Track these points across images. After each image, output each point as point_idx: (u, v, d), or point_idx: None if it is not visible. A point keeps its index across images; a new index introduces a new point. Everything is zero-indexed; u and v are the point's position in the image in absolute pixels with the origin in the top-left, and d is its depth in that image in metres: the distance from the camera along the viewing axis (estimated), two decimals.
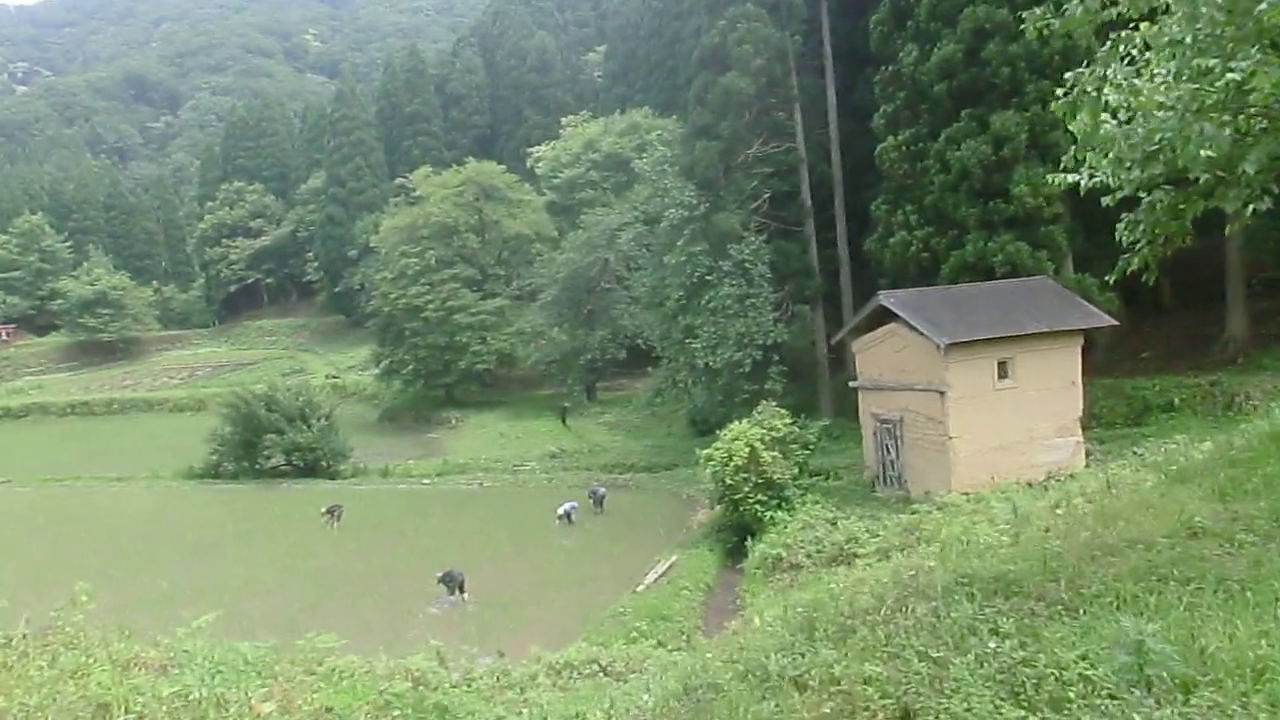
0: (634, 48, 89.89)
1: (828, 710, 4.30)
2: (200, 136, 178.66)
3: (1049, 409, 27.96)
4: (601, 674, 13.29)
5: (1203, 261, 34.79)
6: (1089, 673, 4.29)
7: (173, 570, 31.86)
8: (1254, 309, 36.05)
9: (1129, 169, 7.16)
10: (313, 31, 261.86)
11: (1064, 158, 8.36)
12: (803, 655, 4.83)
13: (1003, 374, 27.70)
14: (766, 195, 41.87)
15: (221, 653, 5.63)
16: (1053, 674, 4.35)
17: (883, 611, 5.15)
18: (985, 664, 4.53)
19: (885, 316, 29.49)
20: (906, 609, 5.13)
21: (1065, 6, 6.97)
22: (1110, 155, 7.11)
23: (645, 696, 6.14)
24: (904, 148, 35.67)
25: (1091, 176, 7.74)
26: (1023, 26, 7.53)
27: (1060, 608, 5.05)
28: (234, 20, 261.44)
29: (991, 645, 4.60)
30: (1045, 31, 7.39)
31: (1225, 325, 35.84)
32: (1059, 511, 12.62)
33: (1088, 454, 28.52)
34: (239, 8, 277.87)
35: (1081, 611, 4.97)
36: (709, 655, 6.22)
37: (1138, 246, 8.48)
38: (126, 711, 4.62)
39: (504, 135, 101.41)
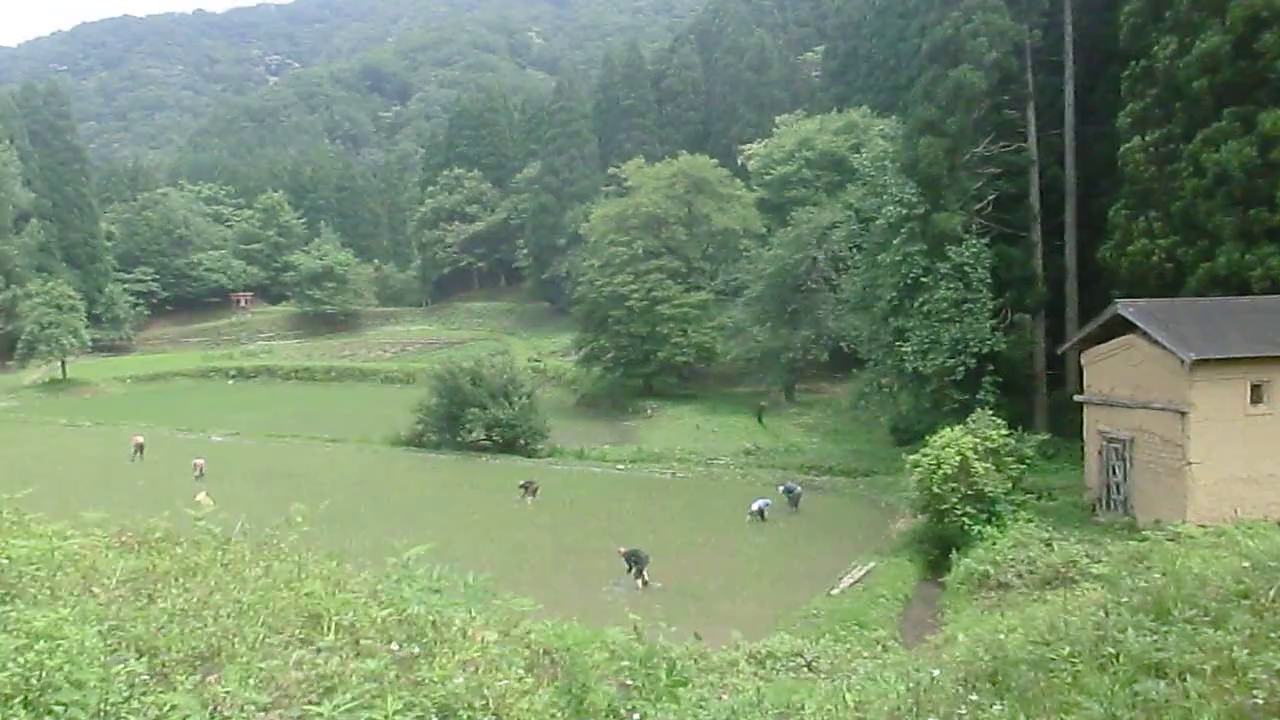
0: (854, 47, 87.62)
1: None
2: (426, 126, 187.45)
3: None
4: (806, 669, 12.56)
5: None
6: None
7: (375, 529, 33.05)
8: None
9: None
10: (536, 29, 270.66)
11: None
12: (1166, 637, 3.92)
13: (1256, 398, 25.11)
14: (992, 197, 39.76)
15: (442, 574, 5.26)
16: None
17: (1263, 597, 4.15)
18: None
19: (1121, 327, 27.30)
20: None
21: None
22: None
23: (933, 671, 5.34)
24: (1152, 149, 33.04)
25: None
26: None
27: None
28: (464, 18, 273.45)
29: None
30: None
31: None
32: None
33: None
34: (469, 6, 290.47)
35: None
36: (1004, 634, 5.37)
37: None
38: (337, 625, 4.32)
39: (717, 132, 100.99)
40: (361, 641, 3.99)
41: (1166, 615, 4.14)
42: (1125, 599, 4.58)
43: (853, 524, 34.04)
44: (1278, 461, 24.90)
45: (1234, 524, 23.11)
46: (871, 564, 27.46)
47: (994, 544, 25.69)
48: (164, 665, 3.63)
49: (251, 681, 3.51)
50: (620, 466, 45.99)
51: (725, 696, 10.63)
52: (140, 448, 47.66)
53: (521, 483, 38.11)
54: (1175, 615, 4.08)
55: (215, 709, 3.34)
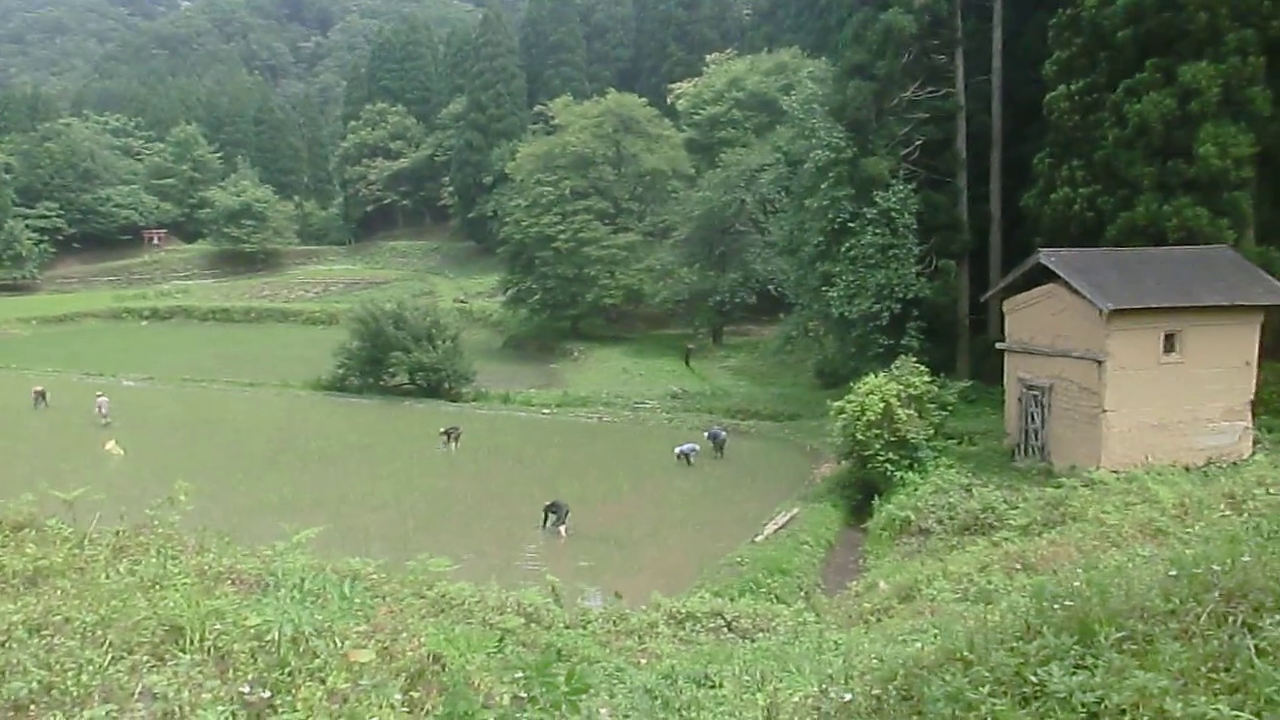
0: None
1: None
2: (348, 58, 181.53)
3: (1217, 389, 25.77)
4: (726, 629, 12.46)
5: None
6: None
7: (295, 478, 32.47)
8: None
9: None
10: None
11: None
12: (1092, 672, 3.67)
13: (1169, 347, 25.60)
14: (919, 142, 39.65)
15: (317, 580, 4.83)
16: None
17: (1192, 617, 3.94)
18: None
19: (1043, 276, 27.53)
20: (1230, 619, 3.89)
21: None
22: None
23: (844, 695, 5.10)
24: (1076, 98, 33.09)
25: None
26: None
27: None
28: None
29: None
30: None
31: None
32: None
33: (1255, 441, 26.30)
34: None
35: None
36: (908, 641, 5.18)
37: None
38: (201, 639, 3.90)
39: (647, 70, 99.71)
40: (206, 684, 3.56)
41: (1092, 637, 3.92)
42: (1049, 606, 4.36)
43: (778, 469, 34.27)
44: (1185, 409, 25.50)
45: (1145, 469, 23.75)
46: (795, 510, 27.64)
47: (915, 490, 26.10)
48: None
49: None
50: (546, 410, 45.65)
51: (644, 661, 10.48)
52: (42, 394, 45.72)
53: (443, 429, 37.53)
54: (1101, 640, 3.87)
55: None
